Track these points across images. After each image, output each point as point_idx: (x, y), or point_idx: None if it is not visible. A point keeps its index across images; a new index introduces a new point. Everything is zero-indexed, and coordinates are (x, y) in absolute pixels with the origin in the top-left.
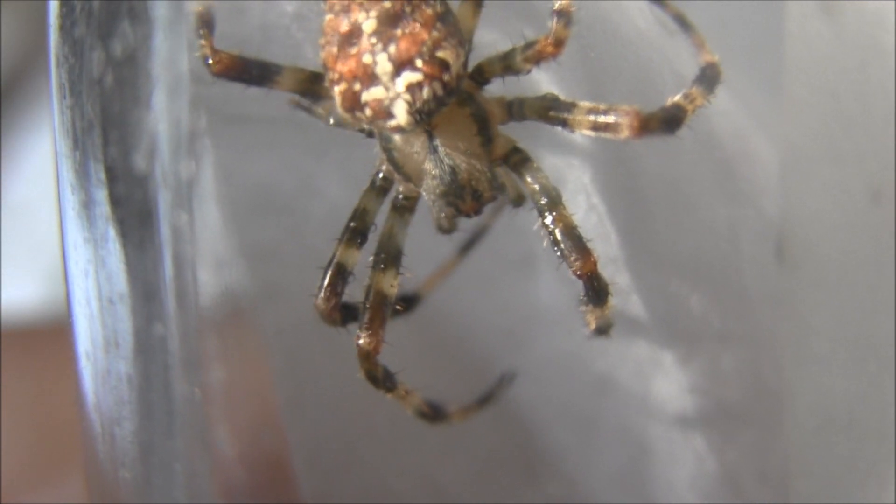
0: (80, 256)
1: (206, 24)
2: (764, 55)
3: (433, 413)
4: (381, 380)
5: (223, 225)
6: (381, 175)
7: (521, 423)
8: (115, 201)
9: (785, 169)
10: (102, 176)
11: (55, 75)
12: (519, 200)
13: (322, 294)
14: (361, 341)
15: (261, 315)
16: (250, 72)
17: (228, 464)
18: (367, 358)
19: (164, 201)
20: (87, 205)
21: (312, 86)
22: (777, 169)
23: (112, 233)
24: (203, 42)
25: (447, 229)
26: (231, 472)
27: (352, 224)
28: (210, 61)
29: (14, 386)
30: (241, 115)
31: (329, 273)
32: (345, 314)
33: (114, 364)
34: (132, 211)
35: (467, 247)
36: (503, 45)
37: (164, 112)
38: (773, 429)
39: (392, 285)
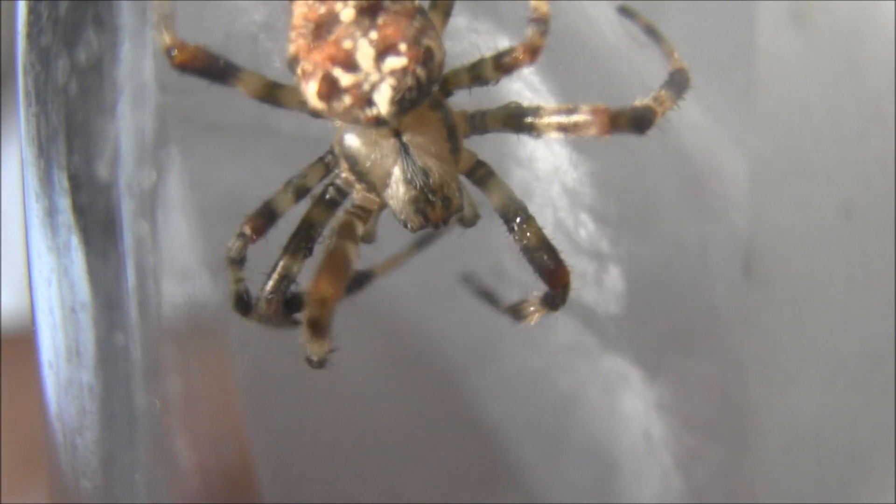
0: (43, 265)
1: (167, 15)
2: (734, 68)
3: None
4: (326, 332)
5: (188, 234)
6: (334, 187)
7: (488, 438)
8: (79, 210)
9: (754, 183)
10: (66, 184)
11: (22, 83)
12: (473, 218)
13: (264, 298)
14: (321, 286)
15: (225, 326)
16: (213, 65)
17: (189, 475)
18: (324, 305)
19: (127, 210)
20: (51, 213)
21: (273, 92)
22: (746, 183)
23: (75, 241)
24: (165, 32)
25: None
26: (192, 483)
27: (297, 236)
28: (174, 52)
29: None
30: (207, 124)
31: (271, 282)
32: (288, 307)
33: (75, 373)
34: (95, 219)
35: (425, 241)
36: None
37: (128, 120)
38: (740, 446)
39: (355, 254)
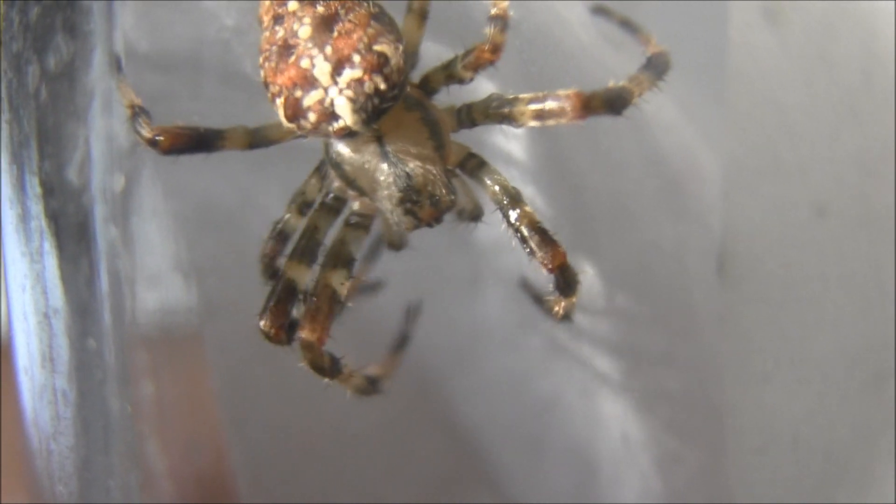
0: (17, 271)
1: (143, 111)
2: (708, 68)
3: (371, 387)
4: (328, 369)
5: (161, 240)
6: (331, 195)
7: (467, 443)
8: (51, 215)
9: (728, 183)
10: (38, 189)
11: None
12: (476, 213)
13: (269, 314)
14: (305, 333)
15: (201, 331)
16: (197, 137)
17: (162, 479)
18: (311, 349)
19: (99, 216)
20: (24, 218)
21: (259, 135)
22: (721, 183)
23: (47, 246)
24: (142, 127)
25: (398, 245)
26: (165, 487)
27: (301, 242)
28: (158, 140)
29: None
30: None
31: (278, 291)
32: (291, 331)
33: (49, 379)
34: (67, 225)
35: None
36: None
37: (99, 126)
38: (718, 448)
39: (342, 283)
